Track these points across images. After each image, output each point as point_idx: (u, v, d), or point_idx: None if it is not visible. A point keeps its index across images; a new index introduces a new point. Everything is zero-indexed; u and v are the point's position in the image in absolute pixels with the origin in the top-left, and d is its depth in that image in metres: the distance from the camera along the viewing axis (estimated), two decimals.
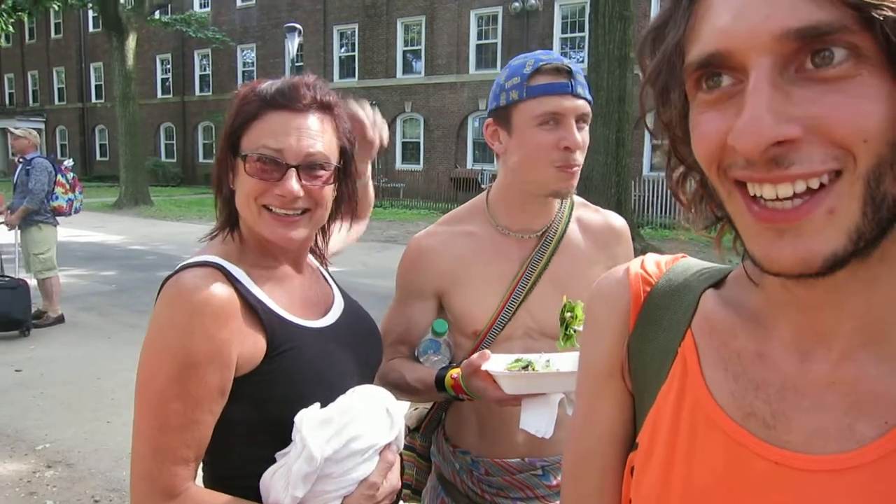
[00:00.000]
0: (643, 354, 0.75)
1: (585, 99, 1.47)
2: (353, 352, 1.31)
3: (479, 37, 23.59)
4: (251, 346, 1.16)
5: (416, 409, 1.76)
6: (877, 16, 0.49)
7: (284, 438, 1.17)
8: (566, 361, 1.36)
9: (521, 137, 1.49)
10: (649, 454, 0.71)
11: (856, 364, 0.61)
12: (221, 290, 1.14)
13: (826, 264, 0.54)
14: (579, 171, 1.50)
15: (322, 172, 1.23)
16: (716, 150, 0.57)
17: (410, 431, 1.76)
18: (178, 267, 1.19)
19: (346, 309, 1.39)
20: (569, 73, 1.45)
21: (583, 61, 15.85)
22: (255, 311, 1.17)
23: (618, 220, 1.69)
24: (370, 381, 1.37)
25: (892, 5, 0.49)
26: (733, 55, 0.54)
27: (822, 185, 0.52)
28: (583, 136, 1.48)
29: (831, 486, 0.58)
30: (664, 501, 0.68)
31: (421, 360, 1.56)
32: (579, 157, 1.47)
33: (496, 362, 1.37)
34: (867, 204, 0.52)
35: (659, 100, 0.65)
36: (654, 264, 0.79)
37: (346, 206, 1.38)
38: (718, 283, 0.74)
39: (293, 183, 1.18)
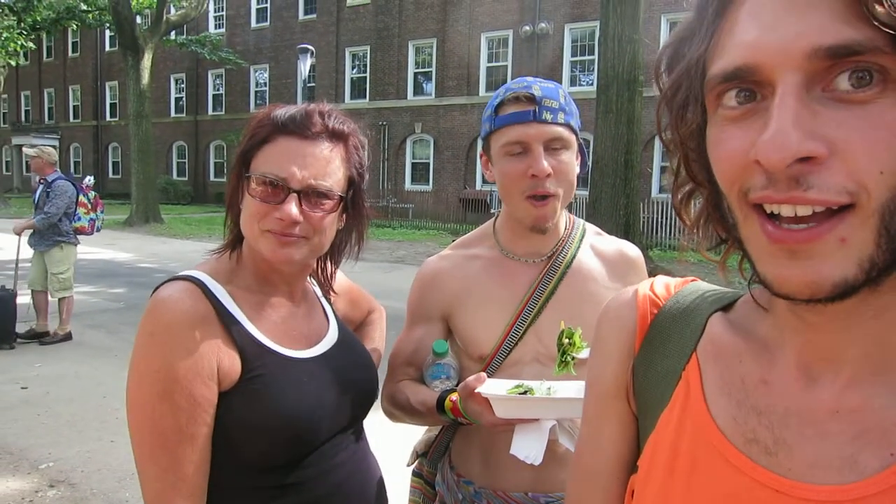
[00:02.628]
0: (648, 377, 0.75)
1: (558, 124, 1.45)
2: (337, 387, 1.29)
3: (490, 59, 23.78)
4: (228, 362, 1.16)
5: (428, 433, 1.74)
6: None
7: (240, 466, 1.18)
8: (567, 389, 1.33)
9: (496, 168, 1.51)
10: (648, 478, 0.71)
11: (862, 393, 0.59)
12: (197, 304, 1.16)
13: (835, 290, 0.53)
14: (555, 201, 1.47)
15: (325, 201, 1.24)
16: (739, 168, 0.56)
17: (419, 456, 1.75)
18: (161, 282, 1.21)
19: (338, 343, 1.38)
20: (531, 99, 1.44)
21: (592, 84, 15.93)
22: (229, 330, 1.18)
23: (632, 250, 1.67)
24: (356, 418, 1.36)
25: None
26: (761, 69, 0.54)
27: (840, 208, 0.52)
28: (558, 162, 1.46)
29: None
30: None
31: (430, 385, 1.54)
32: (551, 185, 1.45)
33: (496, 386, 1.36)
34: (881, 235, 0.52)
35: (677, 114, 0.64)
36: (663, 287, 0.79)
37: (355, 235, 1.38)
38: (727, 307, 0.73)
39: (292, 207, 1.19)
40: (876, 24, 0.49)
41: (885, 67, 0.50)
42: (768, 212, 0.55)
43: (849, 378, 0.60)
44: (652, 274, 0.93)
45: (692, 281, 0.81)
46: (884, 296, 0.56)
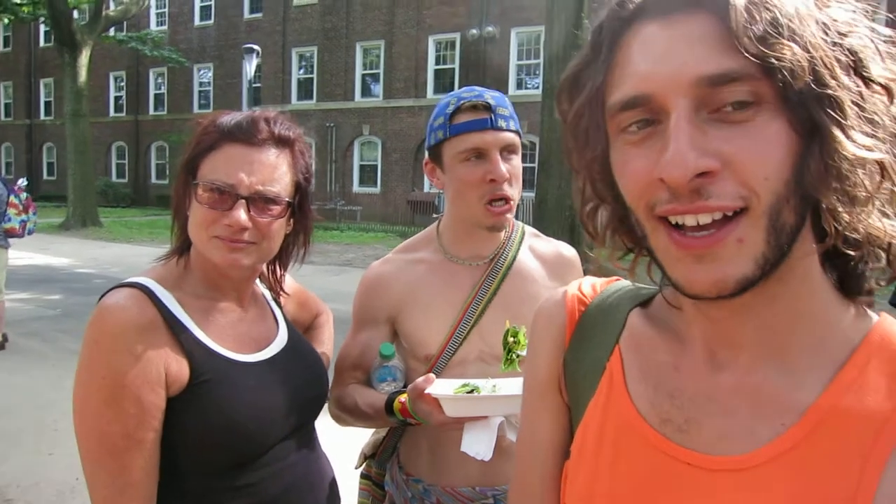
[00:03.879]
0: (577, 369, 0.81)
1: (510, 130, 1.52)
2: (286, 390, 1.31)
3: (438, 62, 23.86)
4: (176, 368, 1.17)
5: (375, 435, 1.76)
6: (774, 63, 0.56)
7: (191, 470, 1.19)
8: (511, 386, 1.38)
9: (451, 174, 1.55)
10: (579, 462, 0.77)
11: (759, 373, 0.67)
12: (143, 310, 1.16)
13: (738, 287, 0.61)
14: (512, 203, 1.54)
15: (273, 207, 1.26)
16: (644, 186, 0.63)
17: (367, 458, 1.77)
18: (107, 289, 1.21)
19: (287, 346, 1.39)
20: (488, 108, 1.50)
21: (538, 87, 16.15)
22: (176, 336, 1.19)
23: (568, 250, 1.74)
24: (306, 420, 1.38)
25: (787, 55, 0.56)
26: (655, 97, 0.61)
27: (734, 213, 0.59)
28: (511, 167, 1.52)
29: (735, 483, 0.65)
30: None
31: (378, 388, 1.56)
32: (508, 189, 1.52)
33: (444, 386, 1.39)
34: (770, 234, 0.60)
35: (581, 140, 0.71)
36: (589, 286, 0.87)
37: (302, 238, 1.40)
38: (646, 303, 0.81)
39: (241, 214, 1.21)
40: (747, 53, 0.57)
41: (759, 92, 0.58)
42: (673, 223, 0.62)
43: (747, 361, 0.69)
44: (587, 273, 1.00)
45: (615, 280, 0.88)
46: (771, 287, 0.64)
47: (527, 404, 0.88)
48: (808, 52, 0.57)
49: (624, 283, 0.87)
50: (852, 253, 0.64)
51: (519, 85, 22.04)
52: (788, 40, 0.57)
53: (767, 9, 0.57)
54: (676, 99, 0.60)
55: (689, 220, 0.61)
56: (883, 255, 0.65)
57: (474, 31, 22.27)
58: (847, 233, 0.62)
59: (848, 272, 0.68)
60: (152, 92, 32.20)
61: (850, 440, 0.62)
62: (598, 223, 0.76)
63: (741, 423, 0.67)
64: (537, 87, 17.59)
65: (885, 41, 0.61)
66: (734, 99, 0.58)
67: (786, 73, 0.56)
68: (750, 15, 0.57)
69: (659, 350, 0.76)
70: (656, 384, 0.73)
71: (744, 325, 0.68)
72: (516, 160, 1.55)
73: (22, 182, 7.19)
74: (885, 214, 0.62)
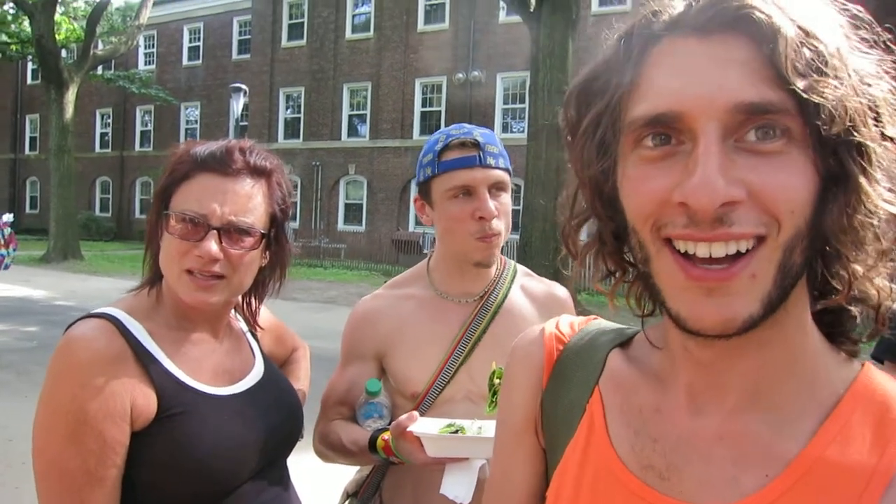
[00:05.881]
0: (555, 411, 0.78)
1: (499, 168, 1.52)
2: (259, 425, 1.27)
3: (424, 104, 24.14)
4: (143, 402, 1.13)
5: (359, 472, 1.73)
6: (816, 100, 0.54)
7: None
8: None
9: (440, 210, 1.55)
10: None
11: (743, 420, 0.65)
12: (111, 342, 1.12)
13: (744, 326, 0.58)
14: (500, 239, 1.54)
15: (246, 238, 1.22)
16: (656, 206, 0.60)
17: (349, 496, 1.73)
18: (74, 319, 1.17)
19: (262, 379, 1.36)
20: (476, 145, 1.50)
21: (523, 131, 16.37)
22: (145, 368, 1.15)
23: (561, 291, 1.73)
24: (280, 456, 1.35)
25: (829, 95, 0.54)
26: (684, 117, 0.58)
27: (747, 251, 0.57)
28: (500, 204, 1.52)
29: None
30: None
31: (363, 424, 1.54)
32: (496, 225, 1.51)
33: (428, 425, 1.37)
34: (780, 271, 0.58)
35: (590, 151, 0.67)
36: (567, 325, 0.84)
37: (278, 273, 1.37)
38: (625, 343, 0.78)
39: (212, 245, 1.18)
40: (791, 88, 0.54)
41: (790, 127, 0.56)
42: (682, 250, 0.59)
43: (732, 407, 0.66)
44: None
45: (594, 319, 0.86)
46: (766, 331, 0.61)
47: (500, 446, 0.84)
48: (848, 94, 0.55)
49: (602, 323, 0.84)
50: (850, 308, 0.63)
51: (504, 128, 22.31)
52: (833, 79, 0.55)
53: (814, 44, 0.55)
54: (708, 122, 0.57)
55: (702, 251, 0.58)
56: (873, 312, 0.63)
57: (460, 76, 22.62)
58: (855, 288, 0.60)
59: (836, 322, 0.67)
60: (138, 129, 32.19)
61: (834, 494, 0.60)
62: (580, 241, 0.74)
63: (724, 471, 0.64)
64: (522, 131, 17.83)
65: None
66: (764, 130, 0.56)
67: (824, 114, 0.55)
68: (798, 47, 0.55)
69: (640, 392, 0.73)
70: (637, 428, 0.71)
71: (732, 369, 0.65)
72: (505, 197, 1.55)
73: (7, 217, 7.14)
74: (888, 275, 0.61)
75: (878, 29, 0.61)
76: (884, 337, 2.86)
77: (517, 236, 12.86)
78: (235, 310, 1.43)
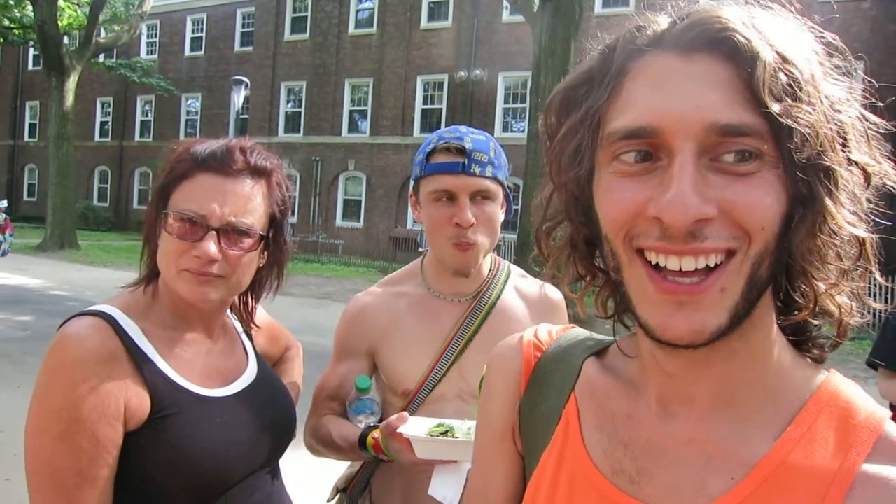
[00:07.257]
0: (532, 417, 0.79)
1: (485, 177, 1.50)
2: (253, 427, 1.27)
3: (425, 101, 24.12)
4: (136, 402, 1.13)
5: (350, 468, 1.73)
6: (790, 125, 0.56)
7: None
8: None
9: (424, 211, 1.56)
10: None
11: (710, 425, 0.67)
12: (105, 341, 1.12)
13: (712, 337, 0.60)
14: (477, 248, 1.52)
15: (245, 239, 1.22)
16: (630, 217, 0.62)
17: (339, 492, 1.73)
18: (69, 316, 1.16)
19: (256, 380, 1.36)
20: (462, 151, 1.49)
21: (524, 131, 16.38)
22: (139, 368, 1.14)
23: (554, 293, 1.73)
24: (273, 457, 1.34)
25: (803, 120, 0.56)
26: (662, 133, 0.60)
27: (717, 265, 0.59)
28: (482, 212, 1.51)
29: None
30: None
31: (353, 421, 1.54)
32: (472, 235, 1.50)
33: (418, 425, 1.37)
34: (748, 284, 0.60)
35: (567, 158, 0.69)
36: (546, 333, 0.85)
37: (275, 272, 1.37)
38: (601, 352, 0.80)
39: (210, 245, 1.17)
40: (766, 111, 0.56)
41: (761, 149, 0.58)
42: (653, 262, 0.61)
43: (700, 413, 0.68)
44: (573, 318, 0.99)
45: (572, 328, 0.87)
46: (733, 342, 0.64)
47: (480, 452, 0.86)
48: (820, 120, 0.57)
49: (579, 332, 0.86)
50: (814, 322, 0.66)
51: (505, 128, 22.30)
52: (806, 105, 0.57)
53: (790, 70, 0.57)
54: (684, 140, 0.58)
55: (673, 263, 0.60)
56: (834, 326, 0.66)
57: (462, 73, 22.61)
58: (819, 303, 0.63)
59: (800, 331, 0.69)
60: (139, 118, 32.15)
61: (798, 496, 0.61)
62: (552, 243, 0.75)
63: (692, 475, 0.66)
64: (523, 131, 17.84)
65: (868, 128, 0.62)
66: (738, 151, 0.58)
67: (797, 137, 0.57)
68: (775, 72, 0.57)
69: (613, 398, 0.75)
70: (610, 433, 0.72)
71: (699, 380, 0.67)
72: (490, 206, 1.53)
73: (2, 203, 7.11)
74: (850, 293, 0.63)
75: (851, 57, 0.63)
76: (879, 343, 2.86)
77: (514, 236, 12.87)
78: (231, 309, 1.43)
